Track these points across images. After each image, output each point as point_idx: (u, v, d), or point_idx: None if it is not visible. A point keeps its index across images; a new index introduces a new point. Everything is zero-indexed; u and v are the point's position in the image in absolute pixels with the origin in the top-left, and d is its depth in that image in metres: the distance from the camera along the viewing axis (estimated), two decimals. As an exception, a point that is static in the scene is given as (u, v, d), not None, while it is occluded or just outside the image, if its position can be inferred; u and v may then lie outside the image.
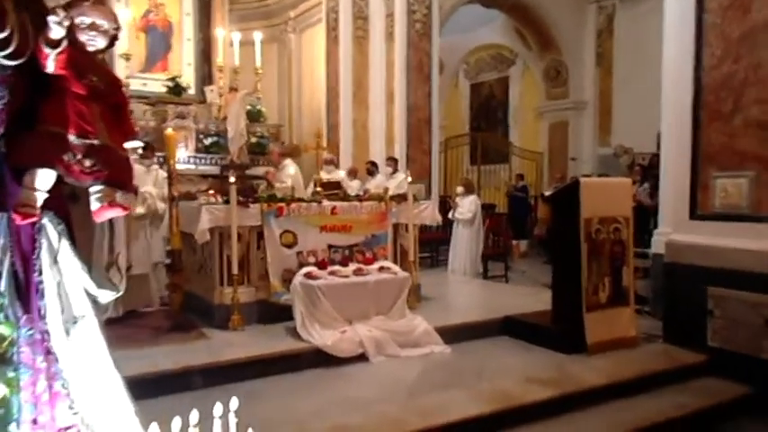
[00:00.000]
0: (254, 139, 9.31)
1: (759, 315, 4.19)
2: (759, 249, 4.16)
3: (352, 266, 5.02)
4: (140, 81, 9.14)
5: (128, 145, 1.95)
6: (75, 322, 1.74)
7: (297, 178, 7.12)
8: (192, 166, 8.85)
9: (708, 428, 3.86)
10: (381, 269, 5.06)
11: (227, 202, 4.81)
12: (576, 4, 12.25)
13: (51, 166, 1.69)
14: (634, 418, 3.70)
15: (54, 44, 1.65)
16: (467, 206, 7.99)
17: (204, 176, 8.71)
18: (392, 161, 8.50)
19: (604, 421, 3.65)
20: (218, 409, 1.45)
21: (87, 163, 1.73)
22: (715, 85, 4.49)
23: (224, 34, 9.55)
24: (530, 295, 6.27)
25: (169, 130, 5.70)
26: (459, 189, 8.24)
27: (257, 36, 9.46)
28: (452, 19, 10.79)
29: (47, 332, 1.70)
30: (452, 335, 4.78)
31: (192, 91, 9.72)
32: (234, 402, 1.45)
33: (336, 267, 4.95)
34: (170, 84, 9.38)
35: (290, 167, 7.21)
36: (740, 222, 4.32)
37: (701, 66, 4.59)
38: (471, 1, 10.98)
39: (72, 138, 1.72)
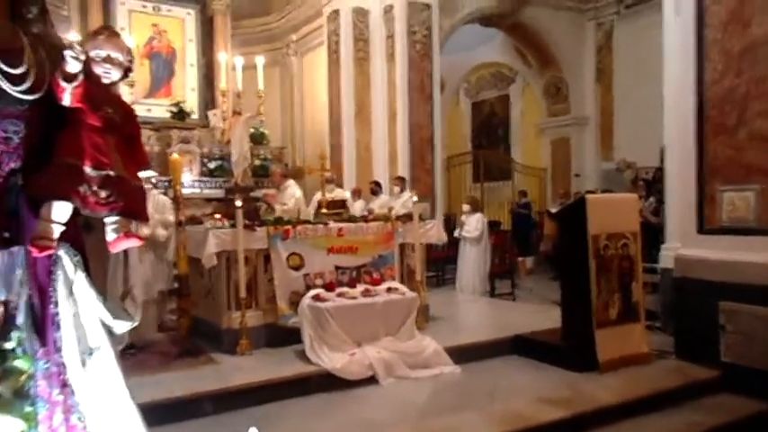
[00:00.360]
0: (257, 162, 9.37)
1: (772, 329, 4.15)
2: (768, 263, 4.14)
3: (360, 288, 5.01)
4: (144, 107, 9.23)
5: (142, 175, 1.97)
6: (91, 354, 1.73)
7: (301, 200, 7.12)
8: (197, 190, 8.90)
9: (724, 446, 3.81)
10: (389, 290, 5.04)
11: (233, 225, 4.82)
12: (575, 21, 12.38)
13: (68, 198, 1.70)
14: (649, 437, 3.66)
15: (70, 78, 1.67)
16: (473, 224, 7.99)
17: (209, 200, 8.76)
18: (400, 180, 8.51)
19: (619, 440, 3.61)
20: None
21: (103, 194, 1.74)
22: (717, 100, 4.52)
23: (226, 59, 9.62)
24: (538, 313, 6.23)
25: (174, 155, 5.74)
26: (466, 207, 8.24)
27: (259, 60, 9.50)
28: (452, 38, 10.90)
29: (63, 365, 1.70)
30: (462, 355, 4.75)
31: (195, 116, 9.83)
32: (253, 433, 1.44)
33: (344, 289, 4.94)
34: (174, 109, 9.48)
35: (294, 189, 7.20)
36: (749, 236, 4.31)
37: (702, 80, 4.61)
38: (470, 21, 11.09)
39: (88, 169, 1.73)
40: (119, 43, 1.99)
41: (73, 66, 1.64)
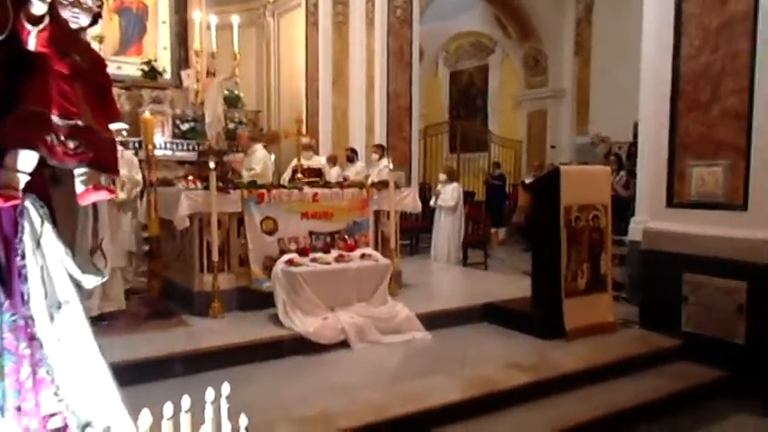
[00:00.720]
0: (231, 125, 9.17)
1: (732, 301, 4.30)
2: (733, 236, 4.26)
3: (334, 253, 5.01)
4: (114, 64, 8.88)
5: (112, 127, 1.91)
6: (59, 307, 1.70)
7: (270, 165, 6.86)
8: (169, 152, 8.69)
9: (682, 410, 3.96)
10: (363, 256, 5.06)
11: (206, 188, 4.75)
12: (556, -7, 12.31)
13: (33, 148, 1.63)
14: (612, 401, 3.78)
15: (36, 20, 1.59)
16: (449, 193, 8.02)
17: (181, 163, 8.58)
18: (379, 148, 8.47)
19: (583, 404, 3.72)
20: (209, 393, 1.43)
21: (71, 144, 1.67)
22: (693, 75, 4.56)
23: (201, 17, 9.37)
24: (509, 282, 6.34)
25: (147, 114, 5.58)
26: (442, 176, 8.26)
27: (235, 20, 9.29)
28: (432, 6, 10.76)
29: (30, 318, 1.66)
30: (433, 321, 4.82)
31: (168, 75, 9.54)
32: (226, 387, 1.44)
33: (318, 254, 4.93)
34: (145, 67, 9.19)
35: (263, 153, 6.92)
36: (716, 210, 4.42)
37: (679, 55, 4.65)
38: (452, -12, 10.94)
39: (55, 118, 1.66)
40: (88, -13, 1.90)
41: (38, 7, 1.56)
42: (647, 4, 5.63)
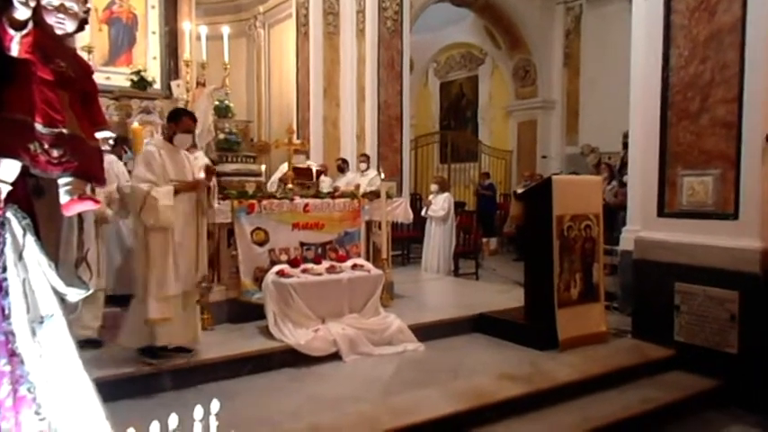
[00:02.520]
0: (222, 136, 9.11)
1: (724, 310, 4.29)
2: (724, 246, 4.26)
3: (325, 264, 4.97)
4: (103, 75, 8.80)
5: (99, 135, 1.86)
6: (41, 322, 1.64)
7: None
8: (158, 163, 8.60)
9: (675, 421, 3.94)
10: (354, 267, 5.02)
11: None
12: (545, 5, 12.41)
13: (15, 157, 1.58)
14: (605, 413, 3.75)
15: (19, 26, 1.55)
16: (440, 204, 8.01)
17: (170, 173, 8.48)
18: (365, 158, 8.46)
19: (576, 416, 3.69)
20: (198, 411, 1.38)
21: (55, 153, 1.62)
22: (682, 85, 4.59)
23: (191, 28, 9.33)
24: (501, 292, 6.32)
25: (135, 125, 5.51)
26: (434, 187, 8.25)
27: (225, 30, 9.26)
28: (422, 17, 10.80)
29: (11, 333, 1.60)
30: (426, 332, 4.78)
31: (157, 85, 9.46)
32: (215, 405, 1.39)
33: (309, 265, 4.89)
34: (134, 78, 9.11)
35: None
36: (707, 220, 4.42)
37: (668, 66, 4.68)
38: (442, -1, 11.00)
39: (38, 126, 1.61)
40: (74, -9, 1.86)
41: (21, 12, 1.52)
42: (635, 17, 5.67)
